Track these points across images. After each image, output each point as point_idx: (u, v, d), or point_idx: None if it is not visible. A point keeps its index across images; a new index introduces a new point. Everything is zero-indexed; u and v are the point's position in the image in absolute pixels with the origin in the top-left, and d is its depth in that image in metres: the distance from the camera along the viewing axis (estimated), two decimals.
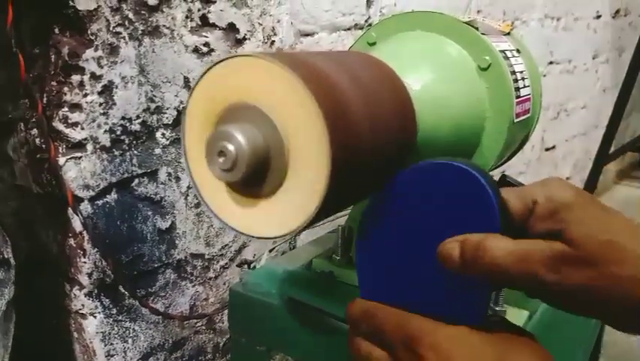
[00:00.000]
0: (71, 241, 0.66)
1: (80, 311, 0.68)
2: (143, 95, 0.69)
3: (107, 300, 0.70)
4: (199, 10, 0.73)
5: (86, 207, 0.66)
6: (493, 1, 1.41)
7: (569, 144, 2.13)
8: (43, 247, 0.69)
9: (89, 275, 0.67)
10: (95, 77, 0.64)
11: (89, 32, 0.62)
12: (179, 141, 0.71)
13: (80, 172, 0.64)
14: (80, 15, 0.61)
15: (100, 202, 0.67)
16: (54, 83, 0.62)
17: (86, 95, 0.63)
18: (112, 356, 0.72)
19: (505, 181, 0.66)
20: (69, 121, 0.63)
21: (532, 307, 0.56)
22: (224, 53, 0.76)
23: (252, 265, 0.74)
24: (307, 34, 0.90)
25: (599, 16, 2.06)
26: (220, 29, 0.76)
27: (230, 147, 0.32)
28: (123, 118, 0.67)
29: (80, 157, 0.64)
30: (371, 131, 0.38)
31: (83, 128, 0.64)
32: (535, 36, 1.69)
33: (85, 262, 0.67)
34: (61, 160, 0.63)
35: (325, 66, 0.37)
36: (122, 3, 0.64)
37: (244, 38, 0.79)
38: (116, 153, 0.67)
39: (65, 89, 0.62)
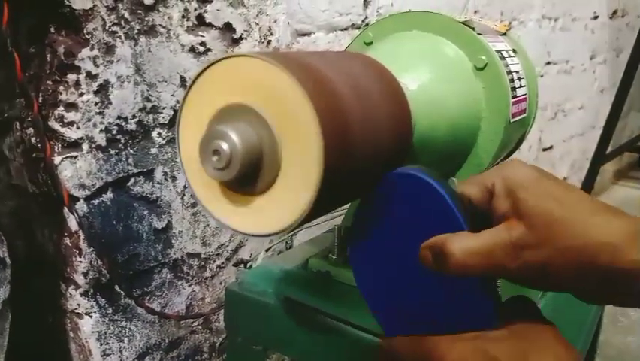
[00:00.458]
0: (67, 241, 0.66)
1: (76, 311, 0.68)
2: (139, 95, 0.69)
3: (103, 299, 0.70)
4: (195, 9, 0.73)
5: (81, 207, 0.65)
6: (490, 1, 1.41)
7: (566, 145, 2.13)
8: (38, 247, 0.69)
9: (85, 275, 0.67)
10: (90, 77, 0.64)
11: (84, 31, 0.62)
12: (175, 141, 0.70)
13: (75, 171, 0.64)
14: (75, 14, 0.61)
15: (96, 202, 0.67)
16: (50, 82, 0.62)
17: (81, 95, 0.63)
18: (108, 355, 0.71)
19: None
20: (65, 120, 0.63)
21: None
22: (221, 52, 0.76)
23: (248, 265, 0.74)
24: (304, 34, 0.90)
25: (596, 17, 2.07)
26: (216, 29, 0.76)
27: (225, 146, 0.32)
28: (119, 117, 0.67)
29: (76, 156, 0.64)
30: (365, 131, 0.38)
31: (78, 128, 0.64)
32: (533, 36, 1.69)
33: (81, 262, 0.66)
34: (57, 159, 0.63)
35: (320, 66, 0.37)
36: (118, 2, 0.64)
37: (240, 38, 0.79)
38: (112, 152, 0.67)
39: (61, 88, 0.62)
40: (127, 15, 0.65)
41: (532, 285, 0.34)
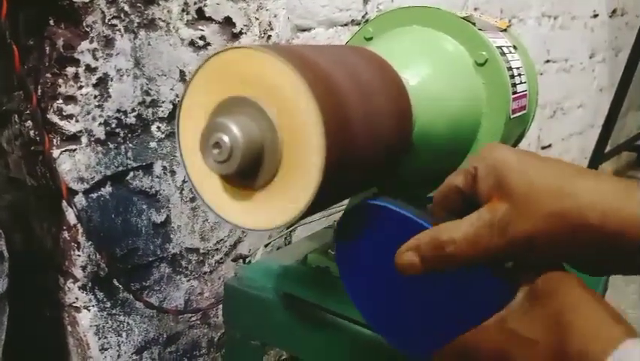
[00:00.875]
0: (65, 234, 0.66)
1: (74, 304, 0.68)
2: (138, 88, 0.68)
3: (101, 293, 0.69)
4: (195, 3, 0.72)
5: (80, 200, 0.65)
6: None
7: (565, 143, 2.13)
8: (37, 240, 0.69)
9: (83, 268, 0.67)
10: (90, 70, 0.63)
11: (84, 24, 0.62)
12: (175, 134, 0.70)
13: (74, 165, 0.64)
14: (75, 7, 0.61)
15: (94, 195, 0.67)
16: (49, 75, 0.62)
17: (80, 88, 0.63)
18: (106, 349, 0.71)
19: None
20: (64, 113, 0.63)
21: None
22: (221, 46, 0.76)
23: (247, 260, 0.74)
24: (304, 30, 0.90)
25: (596, 16, 2.07)
26: (216, 23, 0.76)
27: (226, 139, 0.32)
28: (118, 111, 0.67)
29: (75, 150, 0.64)
30: (366, 125, 0.38)
31: (77, 121, 0.63)
32: (532, 35, 1.69)
33: (79, 255, 0.66)
34: (56, 152, 0.63)
35: (322, 59, 0.37)
36: None
37: (240, 32, 0.79)
38: (111, 146, 0.67)
39: (60, 81, 0.62)
40: (127, 8, 0.65)
41: (527, 262, 0.32)
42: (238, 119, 0.33)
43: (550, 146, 2.01)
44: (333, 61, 0.38)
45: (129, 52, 0.66)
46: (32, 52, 0.62)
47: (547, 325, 0.28)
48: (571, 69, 1.99)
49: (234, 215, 0.36)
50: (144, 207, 0.72)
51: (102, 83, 0.65)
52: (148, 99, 0.70)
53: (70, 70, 0.62)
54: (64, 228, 0.66)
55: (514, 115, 0.58)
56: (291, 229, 0.90)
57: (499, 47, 0.58)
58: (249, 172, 0.34)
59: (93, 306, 0.69)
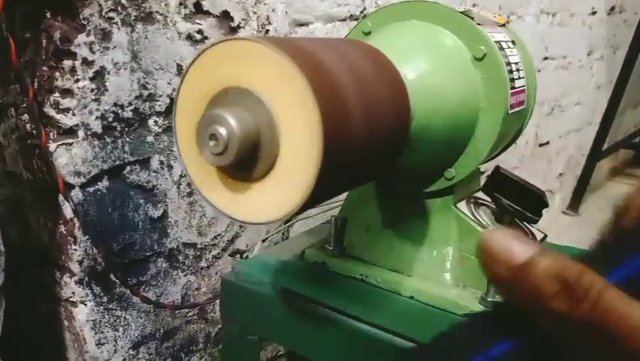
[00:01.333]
0: (62, 228, 0.66)
1: (71, 299, 0.68)
2: (135, 82, 0.68)
3: (98, 288, 0.69)
4: None
5: (77, 194, 0.65)
6: None
7: (562, 140, 2.14)
8: (33, 234, 0.69)
9: (80, 263, 0.67)
10: (86, 63, 0.63)
11: (81, 17, 0.62)
12: (172, 128, 0.70)
13: (70, 158, 0.64)
14: (72, 0, 0.60)
15: (91, 189, 0.66)
16: (45, 68, 0.61)
17: (77, 81, 0.63)
18: (102, 344, 0.71)
19: (500, 173, 0.66)
20: (60, 107, 0.62)
21: None
22: (217, 38, 0.76)
23: (244, 255, 0.74)
24: (302, 24, 0.89)
25: (594, 13, 2.07)
26: (214, 17, 0.75)
27: (222, 131, 0.32)
28: (115, 105, 0.67)
29: (71, 143, 0.64)
30: (364, 118, 0.38)
31: (74, 114, 0.63)
32: (531, 31, 1.69)
33: (75, 250, 0.66)
34: (52, 146, 0.62)
35: (320, 52, 0.37)
36: None
37: (238, 27, 0.78)
38: (108, 140, 0.67)
39: (57, 74, 0.62)
40: (124, 1, 0.65)
41: None
42: (234, 110, 0.33)
43: (547, 143, 2.02)
44: (331, 53, 0.38)
45: (126, 45, 0.66)
46: (29, 45, 0.62)
47: None
48: (569, 66, 1.99)
49: (232, 208, 0.36)
50: (141, 201, 0.72)
51: (99, 76, 0.65)
52: (145, 93, 0.70)
53: (67, 63, 0.62)
54: (61, 222, 0.66)
55: (513, 110, 0.58)
56: (288, 224, 0.90)
57: (498, 42, 0.58)
58: (245, 164, 0.34)
59: (90, 301, 0.69)
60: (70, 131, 0.63)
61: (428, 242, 0.60)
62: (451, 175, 0.58)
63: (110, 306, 0.71)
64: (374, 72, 0.42)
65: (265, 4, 0.81)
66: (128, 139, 0.69)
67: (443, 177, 0.58)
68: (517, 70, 0.60)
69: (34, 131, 0.62)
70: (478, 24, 0.57)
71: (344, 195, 0.65)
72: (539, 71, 1.78)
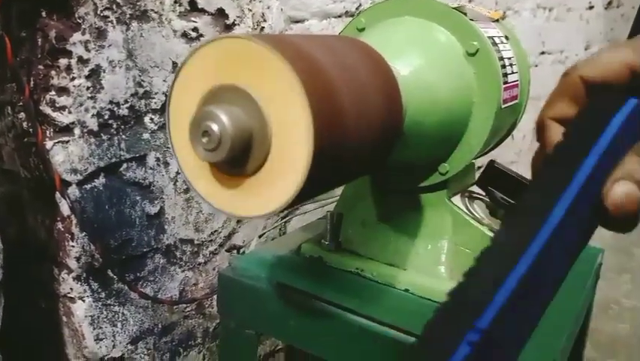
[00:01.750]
0: (59, 225, 0.66)
1: (69, 295, 0.69)
2: (131, 80, 0.68)
3: (96, 284, 0.70)
4: None
5: (73, 192, 0.65)
6: None
7: None
8: (31, 232, 0.69)
9: (77, 259, 0.67)
10: (82, 61, 0.64)
11: (76, 16, 0.62)
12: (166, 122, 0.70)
13: (67, 156, 0.64)
14: None
15: (88, 186, 0.67)
16: (41, 67, 0.62)
17: (73, 79, 0.63)
18: (101, 339, 0.72)
19: (494, 167, 0.67)
20: (56, 105, 0.63)
21: None
22: (210, 36, 0.76)
23: (241, 250, 0.74)
24: (297, 21, 0.90)
25: (591, 7, 2.07)
26: (209, 14, 0.76)
27: (215, 127, 0.32)
28: (111, 102, 0.67)
29: (68, 141, 0.64)
30: (356, 115, 0.38)
31: (70, 112, 0.64)
32: (527, 26, 1.69)
33: (73, 246, 0.67)
34: (49, 144, 0.63)
35: (312, 49, 0.37)
36: None
37: (233, 24, 0.78)
38: (104, 137, 0.67)
39: (52, 72, 0.62)
40: (119, 0, 0.65)
41: None
42: (227, 107, 0.33)
43: None
44: (323, 50, 0.38)
45: (121, 43, 0.66)
46: (25, 44, 0.62)
47: None
48: (566, 61, 1.99)
49: (225, 203, 0.36)
50: (138, 198, 0.73)
51: (94, 74, 0.65)
52: (141, 91, 0.70)
53: (63, 61, 0.62)
54: (58, 219, 0.66)
55: (506, 105, 0.58)
56: (285, 220, 0.90)
57: (491, 37, 0.58)
58: (238, 160, 0.34)
59: (88, 297, 0.69)
60: (67, 129, 0.64)
61: (423, 236, 0.61)
62: (445, 170, 0.58)
63: (108, 302, 0.72)
64: (366, 69, 0.42)
65: (260, 1, 0.81)
66: (124, 136, 0.69)
67: (437, 171, 0.58)
68: (511, 65, 0.61)
69: (31, 130, 0.63)
70: (471, 20, 0.57)
71: (340, 191, 0.66)
72: (536, 65, 1.78)
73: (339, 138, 0.36)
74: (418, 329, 0.51)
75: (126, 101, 0.69)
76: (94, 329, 0.71)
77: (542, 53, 1.82)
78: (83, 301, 0.69)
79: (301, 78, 0.32)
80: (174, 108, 0.37)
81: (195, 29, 0.74)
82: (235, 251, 0.83)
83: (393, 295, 0.59)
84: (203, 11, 0.75)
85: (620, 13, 2.34)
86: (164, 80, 0.72)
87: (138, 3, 0.67)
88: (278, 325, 0.62)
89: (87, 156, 0.66)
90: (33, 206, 0.68)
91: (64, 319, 0.70)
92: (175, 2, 0.71)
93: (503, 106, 0.58)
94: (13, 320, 0.66)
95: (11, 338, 0.66)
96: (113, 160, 0.69)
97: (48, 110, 0.63)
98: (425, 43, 0.56)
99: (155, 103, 0.72)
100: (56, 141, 0.63)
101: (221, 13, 0.77)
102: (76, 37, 0.62)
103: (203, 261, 0.84)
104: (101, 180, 0.68)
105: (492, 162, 0.67)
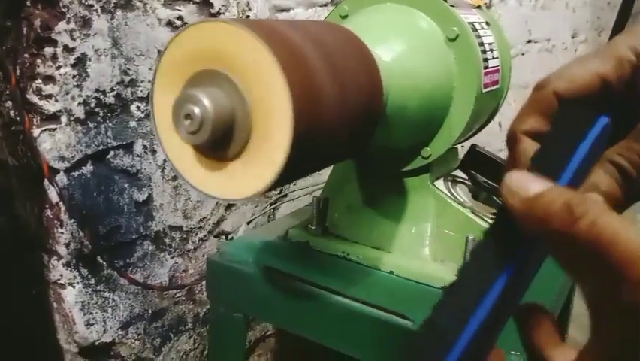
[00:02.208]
0: (48, 212, 0.67)
1: (59, 281, 0.69)
2: (116, 68, 0.69)
3: (86, 270, 0.71)
4: None
5: (61, 179, 0.66)
6: None
7: None
8: (21, 219, 0.70)
9: (67, 246, 0.68)
10: (67, 50, 0.64)
11: (60, 5, 0.62)
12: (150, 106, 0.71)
13: (54, 144, 0.65)
14: None
15: (75, 174, 0.67)
16: (27, 56, 0.62)
17: (59, 68, 0.63)
18: (92, 325, 0.73)
19: (476, 151, 0.68)
20: (43, 93, 0.63)
21: None
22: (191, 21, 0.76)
23: (229, 237, 0.75)
24: (283, 10, 0.90)
25: None
26: (194, 3, 0.76)
27: (196, 110, 0.33)
28: (97, 90, 0.67)
29: (55, 129, 0.65)
30: (337, 97, 0.39)
31: (56, 100, 0.64)
32: (514, 15, 1.70)
33: (62, 233, 0.67)
34: (36, 132, 0.63)
35: (292, 33, 0.38)
36: None
37: (218, 12, 0.79)
38: (91, 125, 0.68)
39: (38, 61, 0.62)
40: None
41: None
42: (208, 90, 0.34)
43: None
44: (303, 35, 0.39)
45: (106, 32, 0.67)
46: (10, 33, 0.62)
47: None
48: (553, 49, 2.00)
49: (207, 185, 0.37)
50: (126, 185, 0.73)
51: (80, 63, 0.65)
52: (127, 79, 0.70)
53: (48, 50, 0.62)
54: (47, 206, 0.67)
55: (486, 90, 0.60)
56: (273, 206, 0.91)
57: (471, 23, 0.59)
58: (220, 143, 0.35)
59: (78, 283, 0.70)
60: (54, 117, 0.64)
61: (407, 219, 0.62)
62: (428, 154, 0.59)
63: (98, 288, 0.73)
64: (346, 53, 0.43)
65: None
66: (110, 124, 0.70)
67: (420, 155, 0.60)
68: (491, 50, 0.62)
69: (18, 118, 0.63)
70: (452, 6, 0.58)
71: (326, 177, 0.67)
72: (523, 54, 1.79)
73: (319, 123, 0.37)
74: (403, 309, 0.53)
75: (112, 90, 0.69)
76: (84, 314, 0.72)
77: (529, 41, 1.83)
78: (73, 287, 0.70)
79: (281, 62, 0.33)
80: (158, 93, 0.38)
81: (180, 18, 0.74)
82: (223, 237, 0.84)
83: (379, 277, 0.60)
84: (187, 0, 0.75)
85: (607, 2, 2.36)
86: (149, 69, 0.73)
87: None
88: (266, 308, 0.64)
89: (74, 143, 0.66)
90: (22, 194, 0.69)
91: (55, 305, 0.71)
92: None
93: (484, 91, 0.59)
94: (4, 306, 0.67)
95: (3, 324, 0.67)
96: (101, 148, 0.69)
97: (35, 99, 0.63)
98: (406, 30, 0.57)
99: (142, 91, 0.73)
100: (43, 128, 0.64)
101: (205, 2, 0.77)
102: (61, 25, 0.63)
103: (192, 247, 0.85)
104: (88, 168, 0.69)
105: (474, 146, 0.68)
